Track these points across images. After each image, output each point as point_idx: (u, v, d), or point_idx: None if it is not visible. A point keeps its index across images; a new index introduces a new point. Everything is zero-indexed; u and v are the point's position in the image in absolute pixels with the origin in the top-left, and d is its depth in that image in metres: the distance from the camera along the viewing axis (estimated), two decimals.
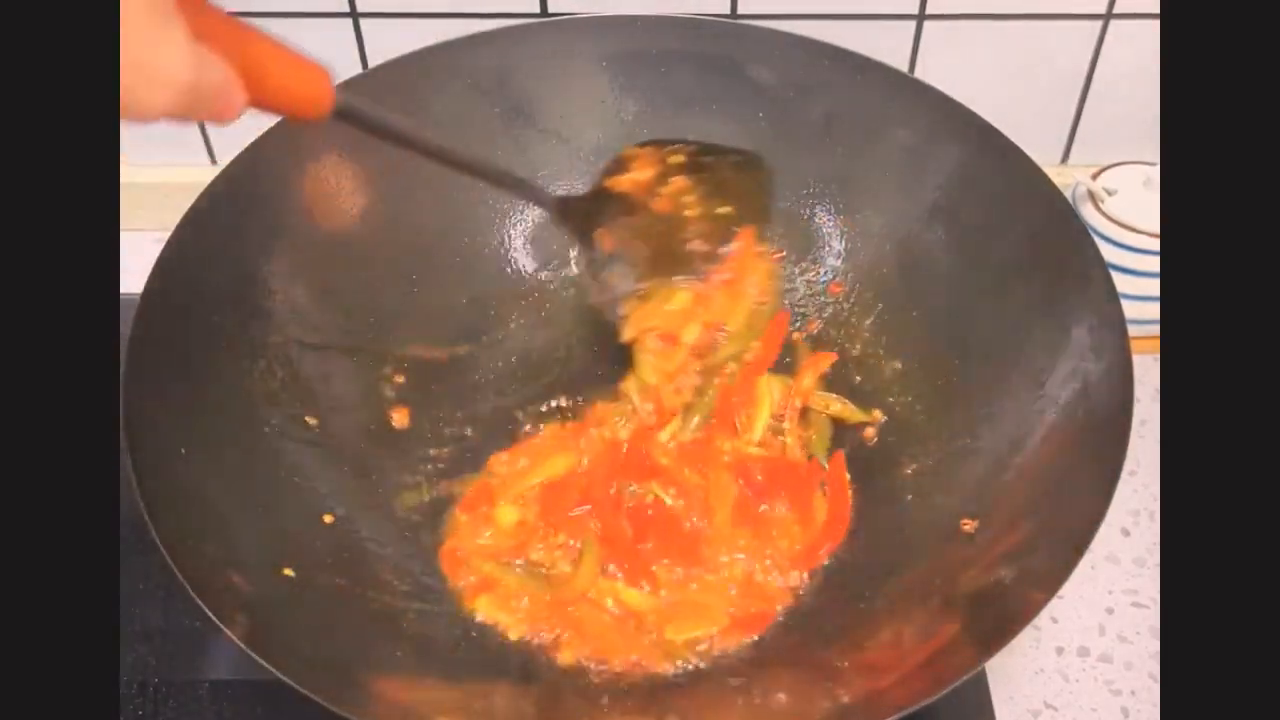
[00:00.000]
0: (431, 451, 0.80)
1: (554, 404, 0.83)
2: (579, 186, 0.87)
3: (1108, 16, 0.92)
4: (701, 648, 0.70)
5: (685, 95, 0.85)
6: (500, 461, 0.79)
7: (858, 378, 0.83)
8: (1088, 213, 0.89)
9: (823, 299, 0.86)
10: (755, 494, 0.76)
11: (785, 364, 0.84)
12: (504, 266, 0.87)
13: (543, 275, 0.88)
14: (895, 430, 0.79)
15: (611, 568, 0.73)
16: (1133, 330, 0.67)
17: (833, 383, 0.83)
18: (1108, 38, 0.93)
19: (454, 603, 0.72)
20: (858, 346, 0.84)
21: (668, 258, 0.81)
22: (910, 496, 0.75)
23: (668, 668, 0.69)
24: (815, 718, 0.64)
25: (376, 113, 0.59)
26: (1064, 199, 0.74)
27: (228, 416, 0.71)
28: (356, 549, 0.73)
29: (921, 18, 0.92)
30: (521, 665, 0.69)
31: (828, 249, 0.86)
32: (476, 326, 0.86)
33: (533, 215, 0.88)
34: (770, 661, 0.69)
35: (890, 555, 0.73)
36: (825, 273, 0.86)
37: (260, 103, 0.50)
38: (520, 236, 0.88)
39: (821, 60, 0.82)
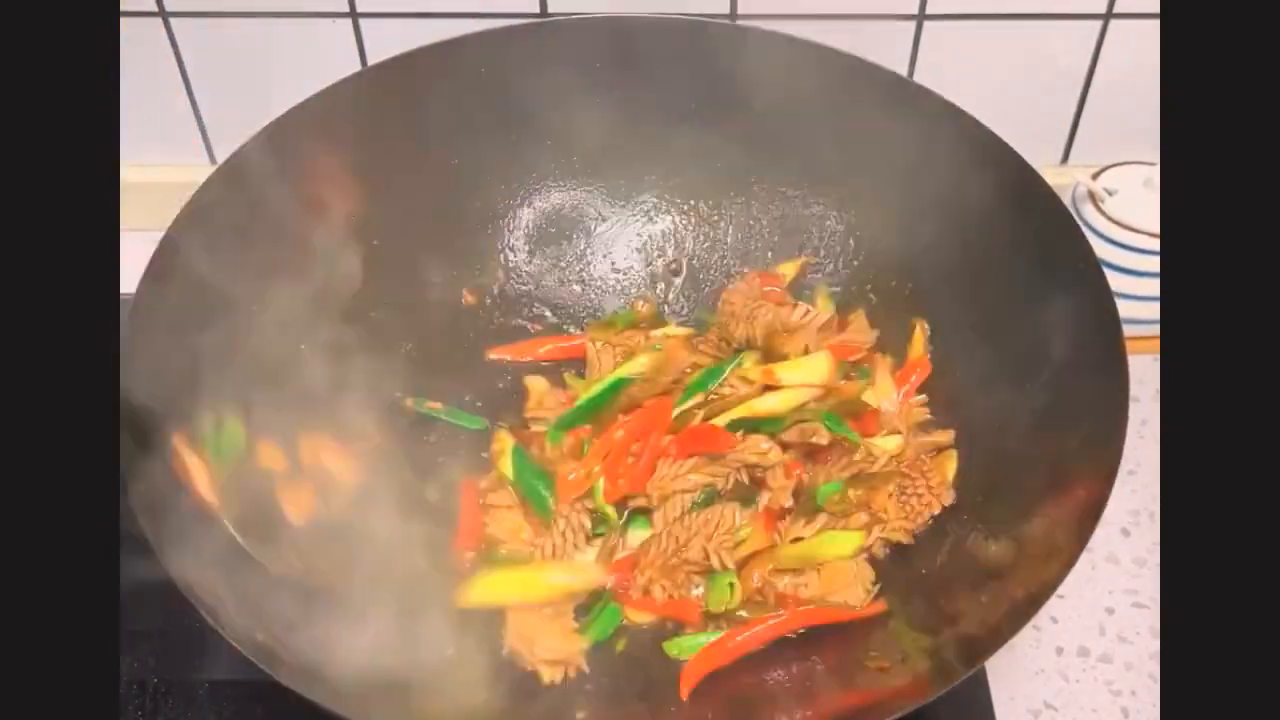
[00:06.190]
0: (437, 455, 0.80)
1: None
2: (575, 185, 0.87)
3: (1108, 16, 0.92)
4: None
5: (685, 95, 0.85)
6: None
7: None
8: (1088, 213, 0.89)
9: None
10: None
11: None
12: (503, 265, 0.88)
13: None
14: None
15: None
16: (1133, 330, 0.67)
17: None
18: (1108, 38, 0.93)
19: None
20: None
21: None
22: None
23: None
24: (819, 717, 0.64)
25: None
26: (1059, 200, 0.74)
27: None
28: (355, 549, 0.73)
29: (921, 18, 0.92)
30: (510, 670, 0.69)
31: (828, 249, 0.86)
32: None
33: (529, 216, 0.88)
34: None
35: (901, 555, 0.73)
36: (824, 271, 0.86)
37: None
38: (520, 235, 0.88)
39: (821, 62, 0.82)
